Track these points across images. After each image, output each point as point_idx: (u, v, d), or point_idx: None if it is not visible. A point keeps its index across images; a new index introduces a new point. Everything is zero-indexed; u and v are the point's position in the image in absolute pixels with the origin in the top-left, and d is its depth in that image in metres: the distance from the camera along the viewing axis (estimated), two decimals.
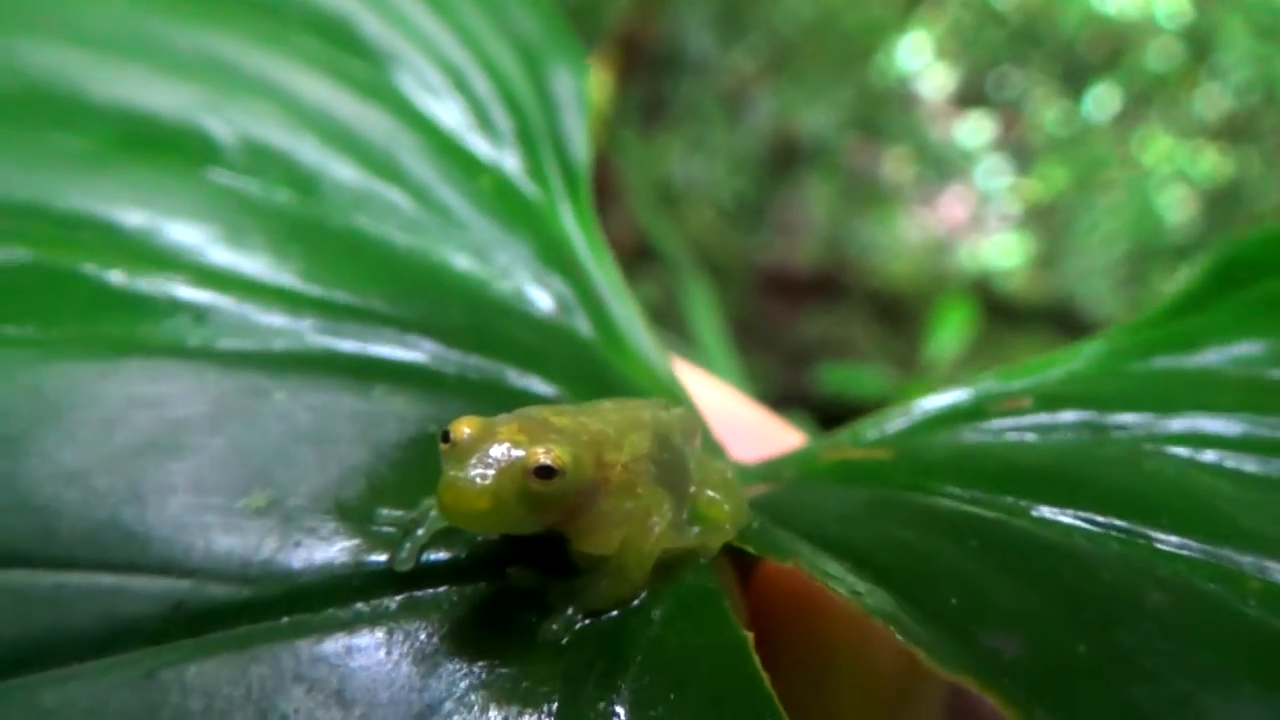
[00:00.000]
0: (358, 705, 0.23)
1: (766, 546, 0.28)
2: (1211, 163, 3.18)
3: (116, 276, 0.35)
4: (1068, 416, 0.36)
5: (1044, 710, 0.21)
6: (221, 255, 0.36)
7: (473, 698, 0.24)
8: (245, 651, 0.24)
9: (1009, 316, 2.91)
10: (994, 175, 3.50)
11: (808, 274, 2.96)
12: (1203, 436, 0.32)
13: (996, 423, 0.37)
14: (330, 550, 0.26)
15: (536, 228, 0.45)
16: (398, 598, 0.26)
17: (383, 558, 0.26)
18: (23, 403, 0.29)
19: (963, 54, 3.45)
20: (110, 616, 0.25)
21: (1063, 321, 2.96)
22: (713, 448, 0.41)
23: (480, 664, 0.24)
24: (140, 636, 0.24)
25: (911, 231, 3.48)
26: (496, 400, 0.34)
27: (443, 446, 0.25)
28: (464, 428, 0.25)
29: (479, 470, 0.24)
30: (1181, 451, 0.32)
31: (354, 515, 0.27)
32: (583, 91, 0.54)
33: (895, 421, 0.40)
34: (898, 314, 2.85)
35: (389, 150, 0.45)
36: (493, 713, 0.24)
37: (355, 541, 0.27)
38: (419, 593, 0.26)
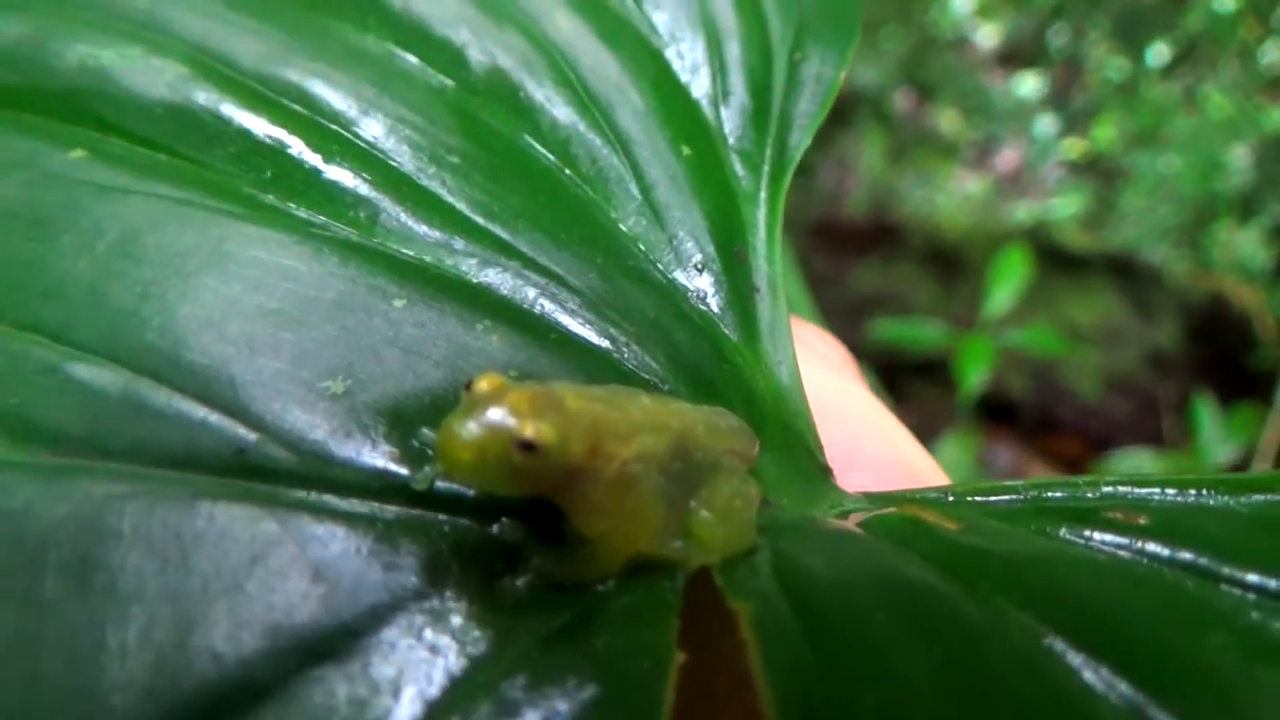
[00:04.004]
0: (323, 583, 0.27)
1: (732, 583, 0.28)
2: (1275, 117, 3.07)
3: (330, 167, 0.40)
4: (1182, 555, 0.31)
5: None
6: (416, 169, 0.41)
7: (415, 618, 0.26)
8: (267, 508, 0.28)
9: (1066, 269, 2.78)
10: (1050, 130, 3.48)
11: (860, 227, 2.89)
12: None
13: (1099, 534, 0.33)
14: (370, 450, 0.30)
15: (721, 208, 0.46)
16: (402, 510, 0.29)
17: (406, 471, 0.30)
18: (206, 249, 0.35)
19: (1020, 7, 3.38)
20: (191, 442, 0.30)
21: (1123, 273, 2.81)
22: (807, 470, 0.41)
23: (436, 591, 0.27)
24: (204, 466, 0.29)
25: (966, 186, 3.40)
26: (589, 368, 0.36)
27: (464, 393, 0.27)
28: (483, 383, 0.27)
29: (474, 425, 0.26)
30: None
31: (403, 427, 0.31)
32: (833, 81, 0.52)
33: (1003, 495, 0.37)
34: (952, 267, 2.78)
35: (610, 102, 0.47)
36: (426, 635, 0.26)
37: (392, 450, 0.30)
38: (420, 512, 0.29)
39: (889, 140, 3.27)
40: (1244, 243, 3.06)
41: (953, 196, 3.33)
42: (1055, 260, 2.77)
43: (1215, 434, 2.16)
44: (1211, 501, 0.34)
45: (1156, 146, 3.31)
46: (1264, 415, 2.26)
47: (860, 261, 2.78)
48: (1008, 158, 3.51)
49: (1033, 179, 3.46)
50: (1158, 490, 0.35)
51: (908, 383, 2.46)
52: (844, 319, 2.48)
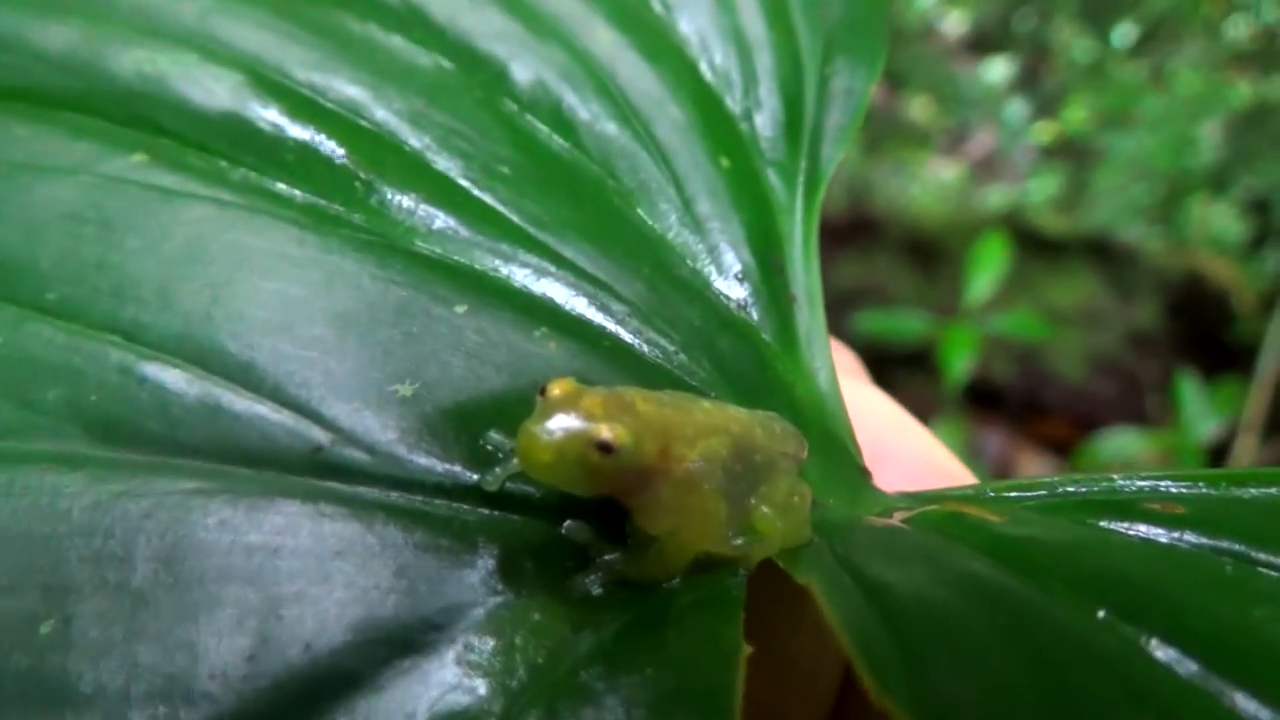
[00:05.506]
0: (404, 579, 0.28)
1: (796, 566, 0.29)
2: (1243, 91, 3.24)
3: (384, 178, 0.41)
4: (1219, 543, 0.33)
5: None
6: (468, 180, 0.42)
7: (496, 613, 0.28)
8: (347, 506, 0.29)
9: (1044, 253, 2.86)
10: (1021, 114, 3.66)
11: (838, 221, 2.95)
12: None
13: (1139, 525, 0.34)
14: (441, 452, 0.31)
15: (759, 219, 0.47)
16: (475, 509, 0.30)
17: (477, 473, 0.31)
18: (271, 254, 0.36)
19: None
20: (268, 442, 0.31)
21: (1100, 254, 2.89)
22: (849, 472, 0.42)
23: (513, 588, 0.28)
24: (282, 465, 0.31)
25: (940, 173, 3.51)
26: (639, 373, 0.37)
27: (538, 398, 0.28)
28: (557, 388, 0.28)
29: (553, 427, 0.27)
30: None
31: (470, 429, 0.32)
32: (863, 93, 0.54)
33: (1039, 490, 0.38)
34: (931, 257, 2.85)
35: (651, 115, 0.48)
36: (505, 629, 0.27)
37: (462, 451, 0.31)
38: (493, 512, 0.30)
39: (863, 133, 3.36)
40: (1217, 216, 3.14)
41: (928, 186, 3.41)
42: (1033, 245, 2.83)
43: (1199, 410, 2.19)
44: (1244, 494, 0.35)
45: (1127, 126, 3.42)
46: (1246, 389, 2.29)
47: (839, 255, 2.82)
48: (980, 143, 3.60)
49: (1005, 164, 3.55)
50: (1191, 484, 0.36)
51: (893, 374, 2.50)
52: (827, 313, 2.51)
